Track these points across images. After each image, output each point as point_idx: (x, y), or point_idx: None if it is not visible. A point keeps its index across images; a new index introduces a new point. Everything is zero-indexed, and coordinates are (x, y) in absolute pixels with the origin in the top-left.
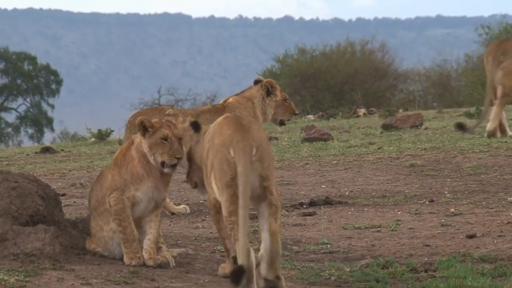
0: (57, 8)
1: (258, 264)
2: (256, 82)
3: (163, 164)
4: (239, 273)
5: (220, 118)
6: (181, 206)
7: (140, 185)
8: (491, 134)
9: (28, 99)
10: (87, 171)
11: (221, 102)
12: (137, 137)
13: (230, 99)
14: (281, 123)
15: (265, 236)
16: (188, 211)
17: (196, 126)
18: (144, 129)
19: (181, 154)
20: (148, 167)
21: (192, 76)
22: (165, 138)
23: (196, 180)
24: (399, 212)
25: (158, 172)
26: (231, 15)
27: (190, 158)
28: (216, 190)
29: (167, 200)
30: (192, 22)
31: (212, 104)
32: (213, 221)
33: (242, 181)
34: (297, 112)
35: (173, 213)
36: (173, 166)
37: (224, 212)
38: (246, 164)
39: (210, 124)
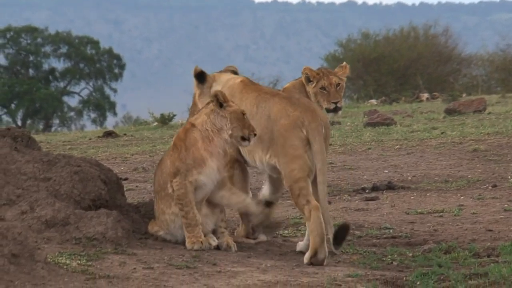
0: None
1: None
2: None
3: (243, 138)
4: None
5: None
6: None
7: (203, 168)
8: None
9: (90, 83)
10: (150, 156)
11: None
12: (200, 117)
13: (288, 84)
14: (327, 111)
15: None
16: None
17: (200, 77)
18: (219, 103)
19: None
20: (211, 148)
21: (255, 60)
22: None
23: None
24: (461, 197)
25: (221, 152)
26: None
27: (194, 110)
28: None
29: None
30: (254, 7)
31: None
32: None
33: (321, 159)
34: (334, 100)
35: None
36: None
37: (293, 179)
38: (322, 142)
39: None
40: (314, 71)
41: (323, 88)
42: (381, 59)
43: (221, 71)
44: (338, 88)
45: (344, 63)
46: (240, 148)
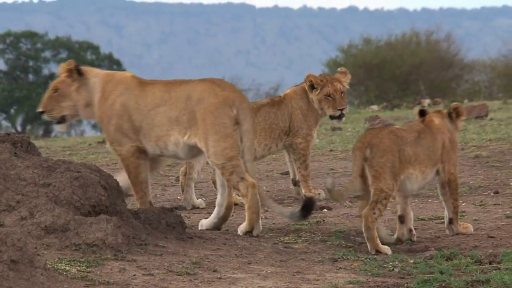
0: None
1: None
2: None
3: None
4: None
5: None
6: (199, 200)
7: None
8: None
9: None
10: None
11: (282, 94)
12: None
13: (288, 90)
14: (331, 118)
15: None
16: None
17: (79, 71)
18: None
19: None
20: None
21: (256, 66)
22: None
23: None
24: (463, 204)
25: None
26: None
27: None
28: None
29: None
30: (255, 12)
31: (270, 98)
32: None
33: (250, 138)
34: (340, 107)
35: (236, 204)
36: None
37: (226, 157)
38: (251, 121)
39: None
40: (318, 78)
41: (328, 95)
42: (383, 64)
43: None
44: (342, 95)
45: (344, 68)
46: (143, 137)
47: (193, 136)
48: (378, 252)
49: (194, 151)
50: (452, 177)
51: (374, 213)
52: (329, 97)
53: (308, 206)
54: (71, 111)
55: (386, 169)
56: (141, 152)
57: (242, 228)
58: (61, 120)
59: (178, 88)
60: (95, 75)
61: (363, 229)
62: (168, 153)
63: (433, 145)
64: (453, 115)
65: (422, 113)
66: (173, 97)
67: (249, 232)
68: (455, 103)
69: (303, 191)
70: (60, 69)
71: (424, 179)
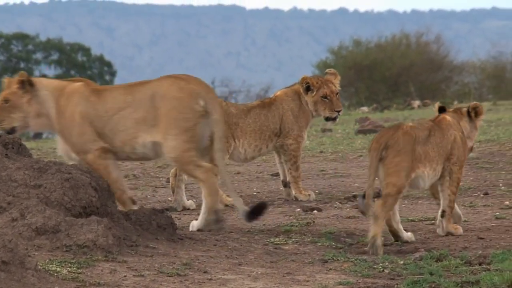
0: (111, 0)
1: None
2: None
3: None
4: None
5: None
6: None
7: None
8: None
9: None
10: (140, 163)
11: (272, 96)
12: None
13: (279, 92)
14: (327, 119)
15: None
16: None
17: (30, 82)
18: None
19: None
20: None
21: (246, 67)
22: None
23: None
24: None
25: None
26: (285, 6)
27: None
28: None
29: (220, 192)
30: (246, 14)
31: (260, 99)
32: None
33: (220, 127)
34: (338, 109)
35: (226, 205)
36: None
37: (183, 150)
38: (220, 111)
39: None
40: (314, 80)
41: (325, 96)
42: (373, 66)
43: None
44: (337, 96)
45: (333, 69)
46: (107, 142)
47: (157, 133)
48: (373, 244)
49: (158, 150)
50: (455, 169)
51: (385, 207)
52: (325, 99)
53: (257, 210)
54: (22, 122)
55: (400, 168)
56: (107, 151)
57: (197, 223)
58: (11, 131)
59: (142, 88)
60: (45, 87)
61: (371, 220)
62: (136, 156)
63: (442, 142)
64: (472, 114)
65: (442, 109)
66: (138, 98)
67: (213, 221)
68: (474, 103)
69: (293, 192)
70: (6, 81)
71: (435, 176)
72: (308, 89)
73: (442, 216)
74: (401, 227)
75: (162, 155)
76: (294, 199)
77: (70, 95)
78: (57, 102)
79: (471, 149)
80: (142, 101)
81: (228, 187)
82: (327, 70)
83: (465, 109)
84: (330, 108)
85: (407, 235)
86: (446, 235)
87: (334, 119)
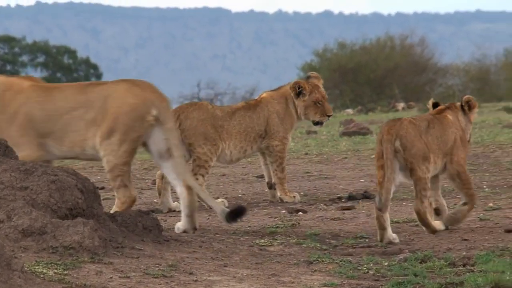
0: (97, 2)
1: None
2: (308, 77)
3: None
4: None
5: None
6: (219, 200)
7: None
8: None
9: None
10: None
11: (257, 98)
12: None
13: (264, 94)
14: (316, 123)
15: (181, 191)
16: (226, 205)
17: None
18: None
19: None
20: None
21: (232, 70)
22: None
23: None
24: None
25: None
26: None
27: None
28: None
29: (207, 192)
30: (232, 16)
31: (245, 101)
32: None
33: (175, 135)
34: (330, 114)
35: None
36: None
37: (120, 160)
38: (173, 120)
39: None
40: (307, 84)
41: (317, 101)
42: (358, 68)
43: None
44: (327, 100)
45: (315, 73)
46: (53, 143)
47: (98, 137)
48: (434, 231)
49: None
50: (461, 169)
51: (423, 202)
52: (318, 104)
53: (237, 214)
54: None
55: (418, 158)
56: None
57: (185, 217)
58: None
59: (95, 89)
60: None
61: (419, 223)
62: (86, 157)
63: (442, 136)
64: (466, 108)
65: (436, 105)
66: (90, 99)
67: None
68: (467, 96)
69: (278, 193)
70: None
71: (435, 169)
72: (300, 93)
73: (464, 204)
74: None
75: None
76: (279, 200)
77: (16, 93)
78: (1, 97)
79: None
80: (94, 101)
81: (197, 190)
82: (309, 74)
83: (458, 103)
84: (321, 112)
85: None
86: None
87: (322, 123)
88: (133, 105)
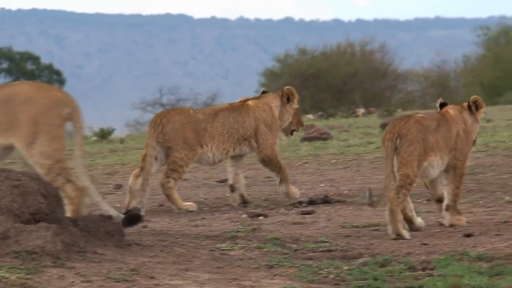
0: (61, 9)
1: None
2: (263, 92)
3: None
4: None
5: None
6: (189, 203)
7: None
8: None
9: None
10: (88, 170)
11: (237, 102)
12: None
13: (250, 102)
14: (291, 133)
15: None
16: (195, 209)
17: None
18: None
19: None
20: None
21: (193, 76)
22: None
23: None
24: None
25: None
26: (232, 16)
27: None
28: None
29: (176, 196)
30: (193, 23)
31: (229, 103)
32: None
33: (81, 135)
34: (303, 124)
35: (180, 209)
36: None
37: (53, 159)
38: (82, 119)
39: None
40: (295, 93)
41: (297, 110)
42: (319, 74)
43: None
44: None
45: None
46: None
47: (11, 137)
48: (398, 236)
49: (6, 152)
50: (458, 164)
51: (399, 197)
52: (296, 114)
53: (133, 219)
54: None
55: (413, 157)
56: None
57: None
58: None
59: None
60: None
61: (387, 212)
62: None
63: (447, 133)
64: (473, 107)
65: (442, 105)
66: None
67: None
68: (474, 96)
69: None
70: None
71: (443, 165)
72: (289, 100)
73: (447, 209)
74: (414, 214)
75: (26, 160)
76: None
77: None
78: None
79: (474, 143)
80: None
81: (92, 192)
82: (285, 88)
83: (465, 103)
84: (299, 122)
85: (420, 221)
86: (450, 227)
87: (295, 131)
88: (47, 104)
